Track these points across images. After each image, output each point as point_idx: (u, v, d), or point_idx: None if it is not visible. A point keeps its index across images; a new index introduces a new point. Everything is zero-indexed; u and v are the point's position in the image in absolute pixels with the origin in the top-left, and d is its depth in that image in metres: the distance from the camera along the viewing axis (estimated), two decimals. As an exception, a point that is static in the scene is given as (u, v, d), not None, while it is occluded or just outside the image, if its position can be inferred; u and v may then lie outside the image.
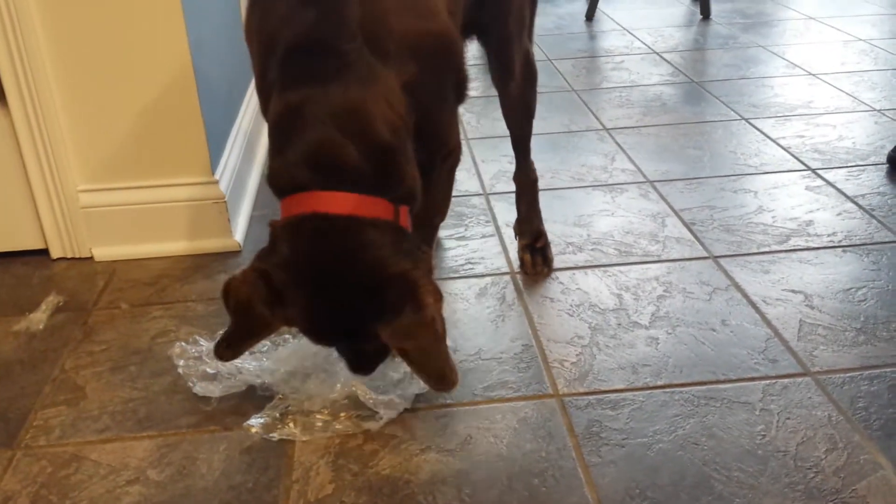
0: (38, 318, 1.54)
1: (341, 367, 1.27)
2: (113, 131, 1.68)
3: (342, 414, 1.25)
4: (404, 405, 1.26)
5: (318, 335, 1.17)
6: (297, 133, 1.11)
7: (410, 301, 1.09)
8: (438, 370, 1.12)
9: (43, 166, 1.68)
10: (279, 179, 1.15)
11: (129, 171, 1.72)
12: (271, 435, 1.23)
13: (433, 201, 1.40)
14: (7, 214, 1.74)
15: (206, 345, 1.38)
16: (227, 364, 1.34)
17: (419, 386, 1.28)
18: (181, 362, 1.36)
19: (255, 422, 1.25)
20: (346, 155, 1.11)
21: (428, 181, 1.38)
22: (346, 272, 1.10)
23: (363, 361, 1.22)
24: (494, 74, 1.62)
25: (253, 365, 1.33)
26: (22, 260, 1.77)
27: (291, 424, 1.24)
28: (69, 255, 1.77)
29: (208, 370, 1.34)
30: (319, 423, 1.24)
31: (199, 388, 1.32)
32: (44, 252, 1.77)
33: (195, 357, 1.37)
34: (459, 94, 1.33)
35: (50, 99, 1.63)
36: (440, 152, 1.35)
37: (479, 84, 2.82)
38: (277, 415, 1.26)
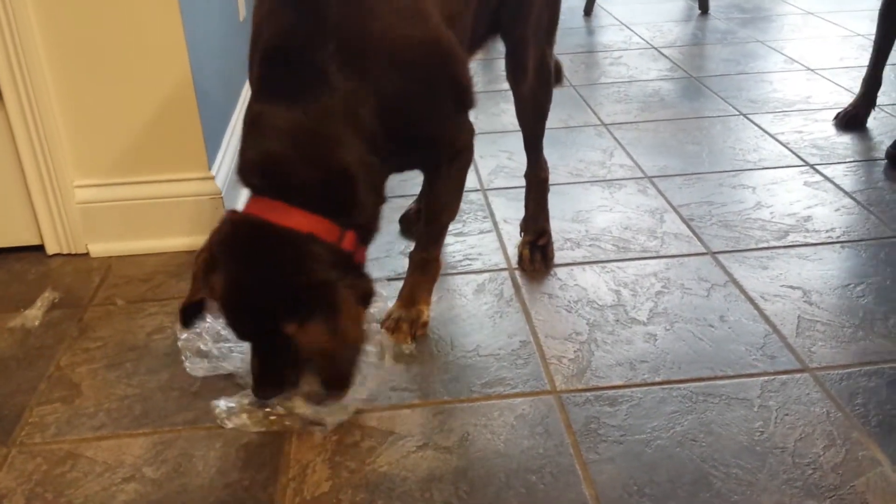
0: (34, 315, 1.53)
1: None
2: (109, 127, 1.68)
3: (298, 411, 1.24)
4: (354, 407, 1.25)
5: (233, 321, 1.19)
6: (258, 140, 1.17)
7: (325, 307, 1.12)
8: (333, 376, 1.16)
9: (39, 162, 1.67)
10: (241, 178, 1.22)
11: (125, 166, 1.71)
12: (226, 422, 1.24)
13: (440, 199, 1.42)
14: (2, 210, 1.73)
15: (209, 322, 1.39)
16: (220, 345, 1.36)
17: (367, 390, 1.27)
18: (183, 336, 1.38)
19: (222, 404, 1.26)
20: (294, 171, 1.15)
21: (435, 180, 1.39)
22: (268, 272, 1.14)
23: (269, 379, 1.22)
24: (509, 73, 1.62)
25: (242, 352, 1.34)
26: (17, 256, 1.76)
27: (244, 415, 1.24)
28: (65, 252, 1.76)
29: (202, 347, 1.36)
30: (273, 417, 1.24)
31: (188, 364, 1.35)
32: (39, 248, 1.77)
33: (196, 332, 1.39)
34: (462, 100, 1.32)
35: (46, 94, 1.62)
36: (445, 154, 1.36)
37: (477, 80, 2.81)
38: (245, 402, 1.26)
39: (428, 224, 1.46)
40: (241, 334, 1.22)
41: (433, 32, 1.23)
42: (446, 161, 1.37)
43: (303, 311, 1.12)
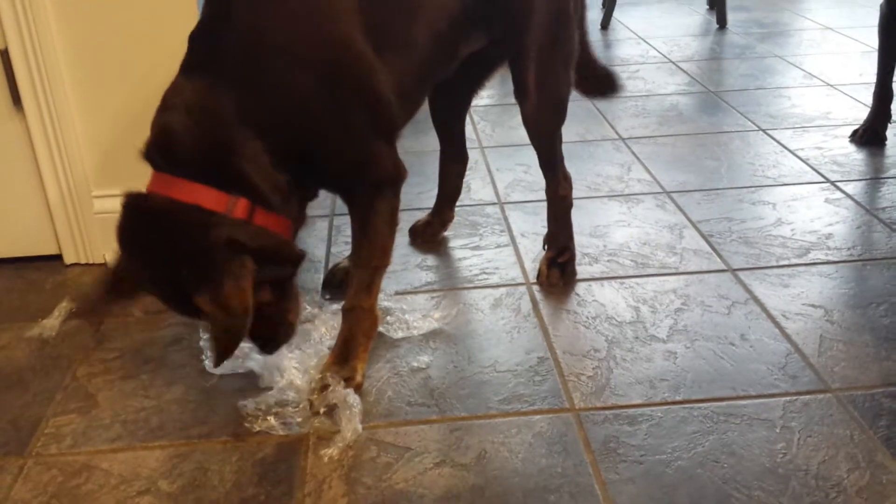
0: (51, 325, 1.53)
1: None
2: (128, 137, 1.67)
3: (322, 409, 1.26)
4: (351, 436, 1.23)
5: (158, 297, 1.22)
6: (159, 113, 1.22)
7: (206, 280, 1.12)
8: (216, 343, 1.16)
9: (58, 171, 1.68)
10: (142, 154, 1.23)
11: (143, 177, 1.70)
12: (253, 426, 1.24)
13: (368, 241, 1.34)
14: (21, 219, 1.74)
15: None
16: (241, 345, 1.32)
17: (350, 430, 1.23)
18: (205, 336, 1.39)
19: (250, 405, 1.28)
20: (180, 143, 1.17)
21: (362, 217, 1.33)
22: (158, 246, 1.17)
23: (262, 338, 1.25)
24: (514, 90, 1.56)
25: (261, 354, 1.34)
26: (35, 265, 1.76)
27: (271, 418, 1.25)
28: (82, 261, 1.77)
29: None
30: (299, 419, 1.25)
31: (208, 364, 1.37)
32: (57, 258, 1.77)
33: None
34: (378, 116, 1.27)
35: (65, 103, 1.63)
36: (365, 182, 1.31)
37: (493, 92, 2.81)
38: (271, 402, 1.28)
39: (357, 268, 1.36)
40: (186, 316, 1.24)
41: (342, 35, 1.22)
42: (368, 193, 1.31)
43: (194, 282, 1.13)
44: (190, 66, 1.23)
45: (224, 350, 1.16)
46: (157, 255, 1.18)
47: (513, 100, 1.64)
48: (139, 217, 1.19)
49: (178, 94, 1.20)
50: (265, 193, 1.20)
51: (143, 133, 1.68)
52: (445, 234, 1.84)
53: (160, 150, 1.20)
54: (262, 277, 1.17)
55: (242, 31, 1.19)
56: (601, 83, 1.84)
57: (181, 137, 1.18)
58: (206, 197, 1.16)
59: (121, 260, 1.22)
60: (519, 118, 1.65)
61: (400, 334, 1.46)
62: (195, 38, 1.24)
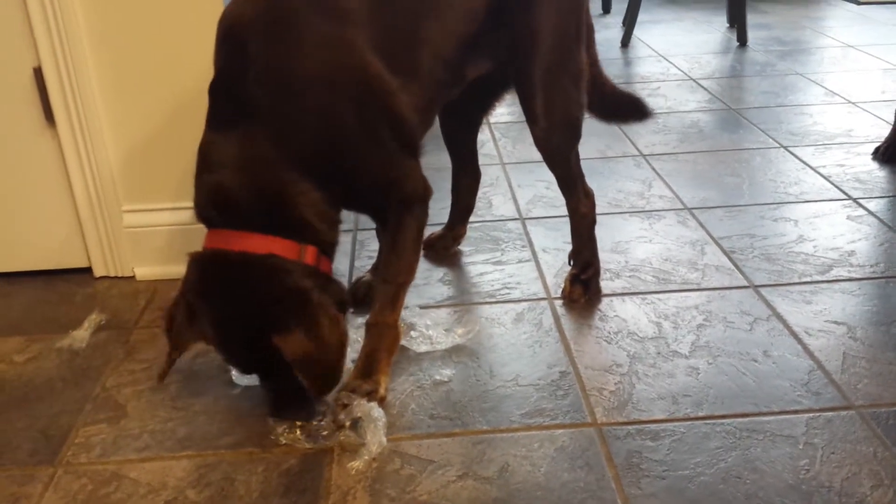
0: (81, 336, 1.56)
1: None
2: (158, 152, 1.71)
3: (348, 423, 1.27)
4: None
5: (224, 347, 1.27)
6: (205, 174, 1.26)
7: (301, 316, 1.18)
8: (320, 380, 1.24)
9: (88, 186, 1.71)
10: (196, 214, 1.29)
11: (172, 191, 1.74)
12: (279, 439, 1.26)
13: (396, 256, 1.37)
14: (52, 233, 1.77)
15: None
16: None
17: (376, 443, 1.24)
18: None
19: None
20: (239, 198, 1.23)
21: (390, 233, 1.38)
22: (244, 299, 1.21)
23: (282, 401, 1.29)
24: (524, 114, 1.54)
25: None
26: (65, 278, 1.80)
27: (297, 431, 1.27)
28: (112, 274, 1.80)
29: None
30: (325, 433, 1.27)
31: (235, 374, 1.40)
32: (87, 270, 1.80)
33: None
34: (401, 135, 1.31)
35: (97, 120, 1.67)
36: (394, 199, 1.34)
37: (514, 110, 2.83)
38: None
39: (383, 283, 1.39)
40: (244, 368, 1.30)
41: (358, 60, 1.26)
42: (397, 209, 1.35)
43: (281, 323, 1.18)
44: (219, 119, 1.26)
45: (324, 386, 1.24)
46: (237, 306, 1.22)
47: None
48: (215, 272, 1.24)
49: (218, 151, 1.24)
50: (327, 238, 1.27)
51: (173, 150, 1.72)
52: (465, 248, 1.86)
53: (217, 208, 1.25)
54: None
55: (264, 72, 1.22)
56: (622, 108, 1.80)
57: (237, 192, 1.23)
58: (279, 246, 1.22)
59: (179, 315, 1.28)
60: (540, 135, 1.66)
61: (423, 348, 1.47)
62: (217, 91, 1.27)
